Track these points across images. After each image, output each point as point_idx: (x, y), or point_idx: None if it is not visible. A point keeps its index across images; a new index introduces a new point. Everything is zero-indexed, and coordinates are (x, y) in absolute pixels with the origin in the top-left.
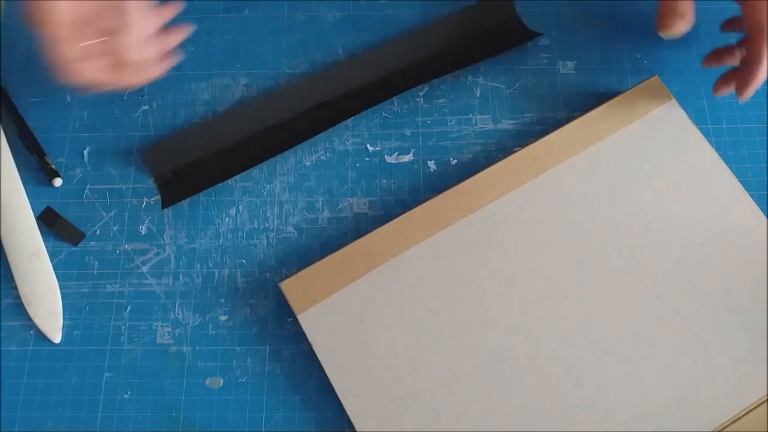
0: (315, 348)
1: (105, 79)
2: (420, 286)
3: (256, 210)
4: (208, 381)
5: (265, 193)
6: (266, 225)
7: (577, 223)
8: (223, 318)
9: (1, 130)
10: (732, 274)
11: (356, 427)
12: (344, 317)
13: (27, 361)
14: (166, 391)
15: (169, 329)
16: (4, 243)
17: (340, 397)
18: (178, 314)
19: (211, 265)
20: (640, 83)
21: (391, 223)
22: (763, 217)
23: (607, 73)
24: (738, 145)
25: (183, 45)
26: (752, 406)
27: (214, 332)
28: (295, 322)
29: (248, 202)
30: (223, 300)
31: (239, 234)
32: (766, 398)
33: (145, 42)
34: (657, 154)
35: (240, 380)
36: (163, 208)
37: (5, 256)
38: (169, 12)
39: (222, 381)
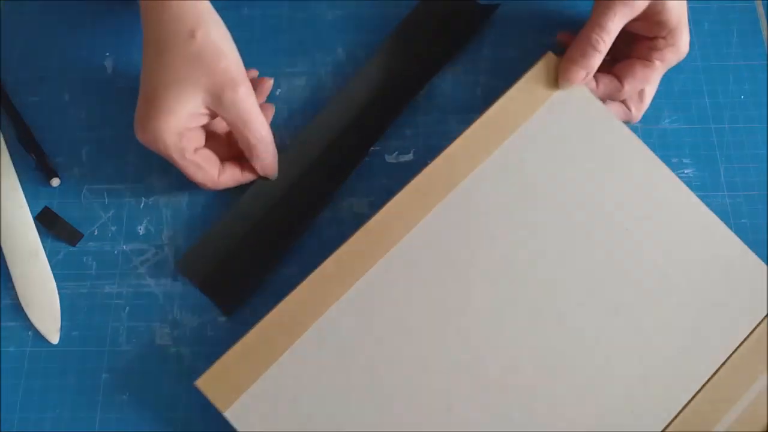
0: None
1: (241, 179)
2: (350, 346)
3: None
4: None
5: None
6: None
7: (498, 237)
8: (222, 319)
9: (0, 130)
10: (661, 253)
11: None
12: (275, 402)
13: (25, 362)
14: (165, 392)
15: (168, 330)
16: (1, 243)
17: None
18: (177, 315)
19: None
20: (534, 65)
21: (302, 285)
22: (681, 183)
23: None
24: (740, 145)
25: None
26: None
27: (212, 333)
28: None
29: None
30: None
31: None
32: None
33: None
34: (565, 141)
35: None
36: (227, 315)
37: (3, 257)
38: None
39: None
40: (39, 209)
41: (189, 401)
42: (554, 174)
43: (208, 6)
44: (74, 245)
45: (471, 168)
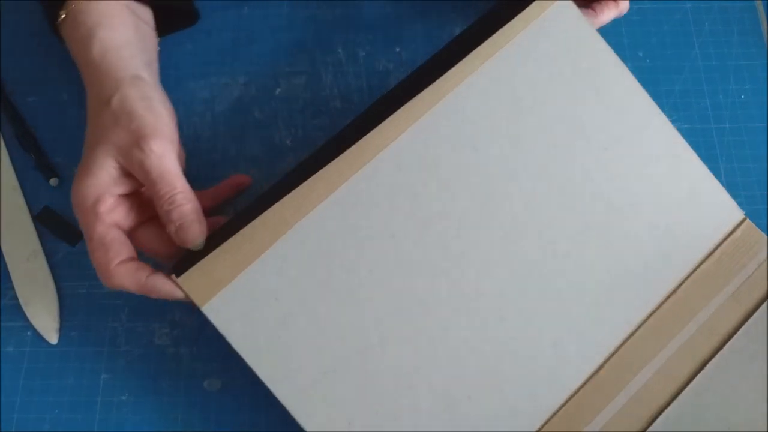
0: (228, 339)
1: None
2: (332, 248)
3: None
4: (206, 383)
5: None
6: None
7: (480, 149)
8: None
9: None
10: (633, 174)
11: (291, 412)
12: (255, 298)
13: (24, 362)
14: (164, 392)
15: (167, 330)
16: (1, 243)
17: (268, 385)
18: (176, 315)
19: None
20: None
21: (293, 192)
22: (659, 112)
23: None
24: (741, 144)
25: (180, 42)
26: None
27: (212, 333)
28: None
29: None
30: None
31: None
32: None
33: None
34: (554, 60)
35: (238, 382)
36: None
37: (2, 257)
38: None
39: (220, 383)
40: (38, 209)
41: (188, 401)
42: (539, 90)
43: (131, 69)
44: (74, 245)
45: (460, 79)
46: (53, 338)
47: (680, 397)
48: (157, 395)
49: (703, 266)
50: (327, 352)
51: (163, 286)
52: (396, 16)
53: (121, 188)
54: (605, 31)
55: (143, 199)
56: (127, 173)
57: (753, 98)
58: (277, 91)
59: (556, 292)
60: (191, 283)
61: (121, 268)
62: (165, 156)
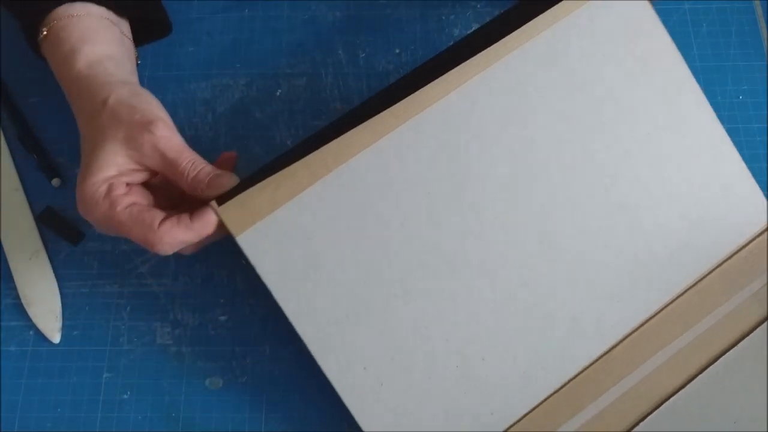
0: (259, 271)
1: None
2: (368, 196)
3: None
4: (207, 381)
5: None
6: None
7: (528, 117)
8: (222, 318)
9: (1, 130)
10: (673, 164)
11: (310, 348)
12: (288, 235)
13: (26, 361)
14: (166, 391)
15: (169, 329)
16: (3, 243)
17: (290, 320)
18: (178, 314)
19: (210, 265)
20: None
21: (337, 139)
22: (708, 106)
23: None
24: (739, 145)
25: (181, 44)
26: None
27: (213, 332)
28: None
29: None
30: (222, 300)
31: None
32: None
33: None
34: (611, 39)
35: (240, 380)
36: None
37: (5, 256)
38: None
39: (222, 381)
40: (41, 209)
41: (190, 400)
42: (591, 67)
43: (118, 77)
44: (76, 245)
45: (518, 44)
46: (55, 337)
47: (687, 387)
48: (158, 394)
49: (728, 263)
50: (351, 297)
51: (209, 218)
52: (396, 18)
53: (130, 178)
54: None
55: (152, 190)
56: (132, 168)
57: (751, 99)
58: (278, 92)
59: (582, 267)
60: (230, 214)
61: (165, 225)
62: (175, 136)
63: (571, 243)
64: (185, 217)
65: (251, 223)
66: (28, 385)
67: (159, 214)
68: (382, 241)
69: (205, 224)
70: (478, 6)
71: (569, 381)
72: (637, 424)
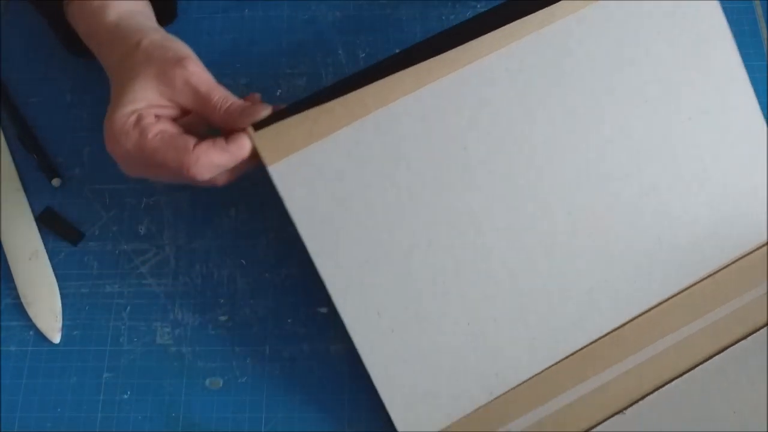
0: (287, 204)
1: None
2: (404, 144)
3: (255, 210)
4: (207, 381)
5: (264, 192)
6: (266, 225)
7: (574, 85)
8: (222, 318)
9: (1, 130)
10: (710, 152)
11: (328, 286)
12: (320, 171)
13: (26, 361)
14: (166, 391)
15: (169, 329)
16: (3, 243)
17: (311, 255)
18: (178, 314)
19: (210, 265)
20: None
21: (380, 81)
22: (754, 98)
23: None
24: None
25: None
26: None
27: (213, 332)
28: (295, 321)
29: (248, 202)
30: (222, 300)
31: (239, 234)
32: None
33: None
34: (665, 17)
35: (240, 380)
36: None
37: (5, 256)
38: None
39: (222, 381)
40: (40, 209)
41: (190, 400)
42: (642, 43)
43: (146, 19)
44: (75, 245)
45: (575, 8)
46: (55, 337)
47: (691, 373)
48: (158, 394)
49: (748, 257)
50: (374, 242)
51: (244, 141)
52: (396, 18)
53: (160, 111)
54: None
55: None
56: (161, 104)
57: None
58: (278, 92)
59: (604, 243)
60: (264, 142)
61: (201, 147)
62: (206, 73)
63: (597, 218)
64: (220, 140)
65: (285, 154)
66: (28, 385)
67: (192, 138)
68: (412, 191)
69: (240, 147)
70: (478, 6)
71: (575, 352)
72: (635, 402)
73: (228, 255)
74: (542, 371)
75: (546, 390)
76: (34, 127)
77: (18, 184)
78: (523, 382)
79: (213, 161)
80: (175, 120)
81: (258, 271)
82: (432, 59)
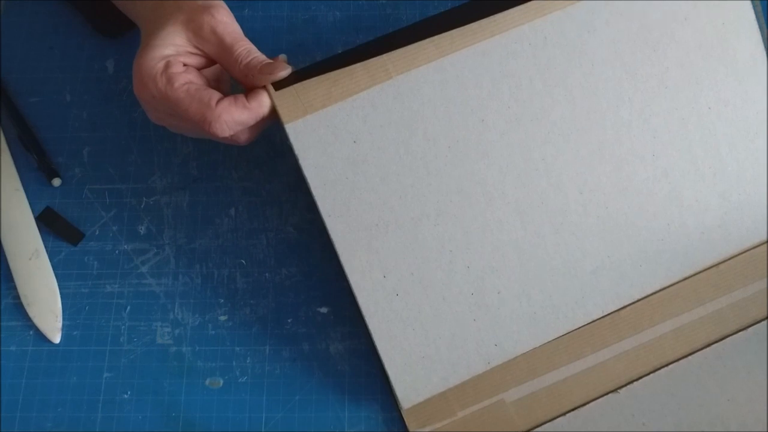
0: (301, 163)
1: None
2: (422, 112)
3: (255, 210)
4: (207, 381)
5: (264, 192)
6: (266, 225)
7: (597, 65)
8: (222, 318)
9: (1, 130)
10: (727, 143)
11: (337, 246)
12: (336, 133)
13: (26, 361)
14: (166, 391)
15: (169, 329)
16: (3, 243)
17: (323, 216)
18: (178, 314)
19: (210, 265)
20: None
21: (402, 48)
22: None
23: None
24: None
25: None
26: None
27: (213, 332)
28: (295, 321)
29: (248, 202)
30: (222, 300)
31: (239, 234)
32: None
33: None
34: (693, 5)
35: (240, 380)
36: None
37: (5, 256)
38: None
39: (222, 381)
40: (40, 209)
41: (190, 400)
42: (668, 29)
43: None
44: (75, 245)
45: None
46: (55, 337)
47: (688, 358)
48: (158, 394)
49: (754, 250)
50: (385, 207)
51: (264, 98)
52: (395, 18)
53: (186, 60)
54: None
55: (207, 77)
56: (189, 51)
57: None
58: None
59: (614, 225)
60: (283, 101)
61: (223, 103)
62: (234, 24)
63: (609, 200)
64: (242, 97)
65: (302, 114)
66: (29, 385)
67: (216, 93)
68: (426, 160)
69: (260, 104)
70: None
71: (575, 330)
72: (630, 383)
73: (228, 255)
74: (541, 345)
75: (543, 364)
76: (34, 127)
77: (18, 184)
78: (521, 355)
79: (234, 118)
80: (201, 70)
81: (258, 271)
82: (455, 30)
